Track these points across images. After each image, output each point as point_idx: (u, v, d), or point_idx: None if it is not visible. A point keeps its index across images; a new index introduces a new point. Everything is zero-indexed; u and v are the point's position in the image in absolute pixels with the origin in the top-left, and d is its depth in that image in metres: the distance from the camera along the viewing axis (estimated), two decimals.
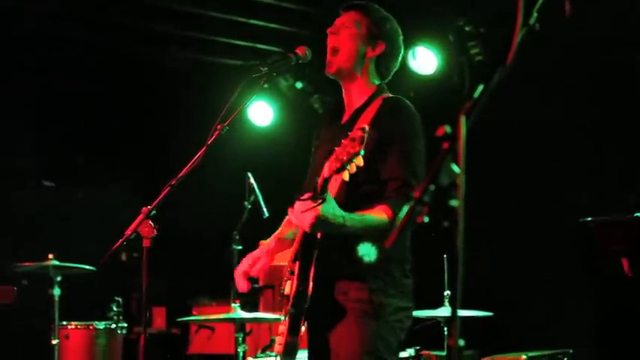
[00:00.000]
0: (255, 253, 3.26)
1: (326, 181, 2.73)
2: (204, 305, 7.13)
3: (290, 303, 2.93)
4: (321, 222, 2.72)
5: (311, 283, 2.89)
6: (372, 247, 2.92)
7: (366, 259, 2.91)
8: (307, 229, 2.78)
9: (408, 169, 2.94)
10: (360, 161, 2.59)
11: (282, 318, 3.01)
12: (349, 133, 2.62)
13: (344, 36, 3.16)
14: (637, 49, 5.29)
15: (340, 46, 3.15)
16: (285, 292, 2.97)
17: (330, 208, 2.73)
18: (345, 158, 2.60)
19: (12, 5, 6.24)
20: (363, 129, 2.58)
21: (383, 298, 2.96)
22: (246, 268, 3.21)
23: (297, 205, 2.78)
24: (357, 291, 2.95)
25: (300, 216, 2.76)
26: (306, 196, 2.77)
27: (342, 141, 2.63)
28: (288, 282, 2.98)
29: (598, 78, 5.51)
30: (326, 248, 2.91)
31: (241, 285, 3.21)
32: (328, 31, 3.20)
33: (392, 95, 3.19)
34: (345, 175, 2.63)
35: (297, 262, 2.97)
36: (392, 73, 3.27)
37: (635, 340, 4.82)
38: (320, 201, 2.70)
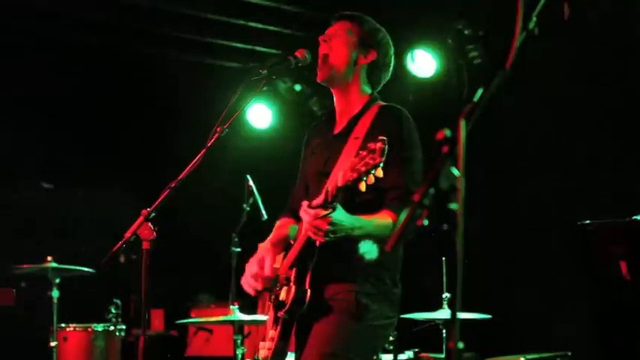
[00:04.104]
0: (257, 255, 3.22)
1: (339, 190, 2.72)
2: (202, 307, 7.12)
3: (285, 309, 2.93)
4: (333, 230, 2.73)
5: (309, 291, 2.90)
6: (373, 245, 2.92)
7: (367, 256, 2.91)
8: (321, 239, 2.77)
9: (410, 177, 2.94)
10: (379, 173, 2.60)
11: (266, 321, 3.05)
12: (368, 144, 2.61)
13: (335, 43, 3.17)
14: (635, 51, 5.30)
15: (331, 52, 3.16)
16: (281, 298, 2.96)
17: (342, 217, 2.75)
18: (363, 169, 2.60)
19: (12, 5, 6.24)
20: (383, 140, 2.58)
21: (369, 302, 2.95)
22: (256, 271, 3.17)
23: (309, 213, 2.77)
24: (345, 292, 2.95)
25: (312, 224, 2.75)
26: (316, 204, 2.78)
27: (360, 152, 2.63)
28: (284, 288, 2.97)
29: (597, 78, 5.51)
30: (323, 256, 2.90)
31: (253, 285, 3.17)
32: (320, 38, 3.21)
33: (387, 103, 3.19)
34: (362, 186, 2.63)
35: (294, 269, 2.97)
36: (382, 84, 3.28)
37: (634, 343, 4.82)
38: (331, 210, 2.71)
